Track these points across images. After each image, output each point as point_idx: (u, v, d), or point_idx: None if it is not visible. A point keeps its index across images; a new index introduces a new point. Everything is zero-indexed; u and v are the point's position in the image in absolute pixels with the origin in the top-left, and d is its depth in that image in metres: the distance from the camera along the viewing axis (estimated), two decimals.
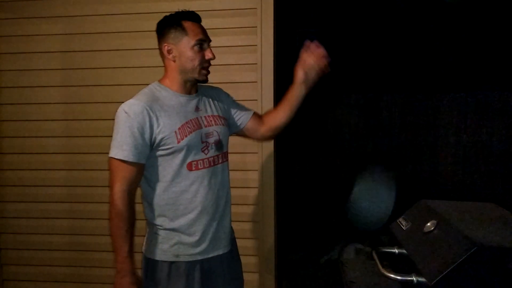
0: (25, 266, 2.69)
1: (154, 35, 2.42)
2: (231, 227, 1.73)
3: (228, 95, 1.81)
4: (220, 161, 1.62)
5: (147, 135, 1.46)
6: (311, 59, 1.64)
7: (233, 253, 1.73)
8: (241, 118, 1.77)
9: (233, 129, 1.78)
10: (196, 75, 1.56)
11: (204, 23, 1.61)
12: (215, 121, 1.63)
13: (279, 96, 2.64)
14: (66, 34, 2.54)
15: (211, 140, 1.58)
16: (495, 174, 5.90)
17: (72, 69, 2.56)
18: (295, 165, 5.73)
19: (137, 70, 2.50)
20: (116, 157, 1.45)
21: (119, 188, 1.44)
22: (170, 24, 1.55)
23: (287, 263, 3.49)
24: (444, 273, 1.20)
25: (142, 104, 1.46)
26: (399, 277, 1.39)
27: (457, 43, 6.00)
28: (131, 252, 1.45)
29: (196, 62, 1.54)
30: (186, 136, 1.50)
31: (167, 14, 1.59)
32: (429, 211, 1.60)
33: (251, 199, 2.50)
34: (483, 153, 5.91)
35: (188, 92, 1.60)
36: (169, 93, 1.56)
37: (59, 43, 2.55)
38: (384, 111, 6.23)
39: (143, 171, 1.52)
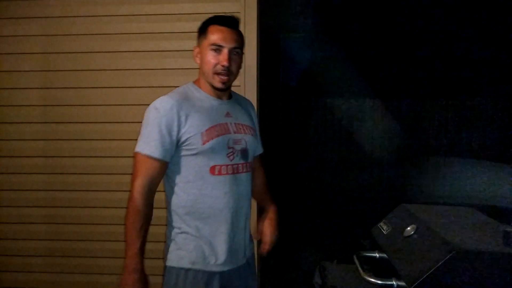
0: (3, 272, 2.61)
1: (136, 37, 2.42)
2: (251, 241, 1.69)
3: (255, 113, 1.80)
4: (243, 170, 1.58)
5: (174, 133, 1.46)
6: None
7: (250, 268, 1.67)
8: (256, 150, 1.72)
9: None
10: (210, 80, 1.54)
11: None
12: (244, 130, 1.61)
13: (262, 100, 2.64)
14: (46, 35, 2.49)
15: (238, 147, 1.56)
16: (474, 177, 6.01)
17: (52, 71, 2.51)
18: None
19: (119, 72, 2.47)
20: (141, 152, 1.46)
21: (139, 183, 1.45)
22: (200, 27, 1.58)
23: (270, 267, 3.49)
24: (423, 277, 1.22)
25: (173, 101, 1.47)
26: (379, 281, 1.40)
27: (440, 50, 6.09)
28: (142, 249, 1.44)
29: (210, 66, 1.52)
30: (212, 138, 1.49)
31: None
32: (409, 215, 1.62)
33: None
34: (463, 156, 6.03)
35: (219, 97, 1.60)
36: (201, 95, 1.57)
37: (39, 44, 2.50)
38: (367, 116, 6.30)
39: (165, 169, 1.51)
